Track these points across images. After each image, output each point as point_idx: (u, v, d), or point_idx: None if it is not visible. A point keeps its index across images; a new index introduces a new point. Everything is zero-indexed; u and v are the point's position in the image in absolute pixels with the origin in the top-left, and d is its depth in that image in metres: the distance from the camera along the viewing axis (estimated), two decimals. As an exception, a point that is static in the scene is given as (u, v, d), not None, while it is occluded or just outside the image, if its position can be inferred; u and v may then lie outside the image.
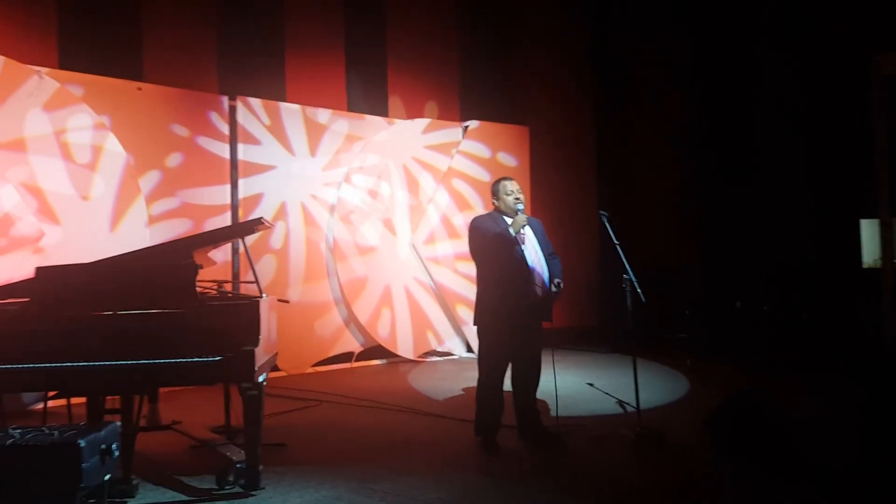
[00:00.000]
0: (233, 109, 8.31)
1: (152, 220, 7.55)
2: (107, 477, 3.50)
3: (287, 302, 6.04)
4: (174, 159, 7.84)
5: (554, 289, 5.18)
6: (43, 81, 6.93)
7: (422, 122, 9.92)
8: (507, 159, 10.41)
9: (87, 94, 7.26)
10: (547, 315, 5.27)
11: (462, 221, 9.65)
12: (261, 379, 4.20)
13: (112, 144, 7.30)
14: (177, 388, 6.74)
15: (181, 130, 7.92)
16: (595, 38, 11.76)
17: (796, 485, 4.31)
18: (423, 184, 9.80)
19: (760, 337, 8.82)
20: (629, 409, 6.24)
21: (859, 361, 7.85)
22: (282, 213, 8.61)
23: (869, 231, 9.12)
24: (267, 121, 8.57)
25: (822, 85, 9.46)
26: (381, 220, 9.39)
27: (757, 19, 10.04)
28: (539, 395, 5.43)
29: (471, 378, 6.21)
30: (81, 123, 7.14)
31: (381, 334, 9.20)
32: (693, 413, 5.93)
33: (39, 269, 4.19)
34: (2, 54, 6.76)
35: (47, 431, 3.38)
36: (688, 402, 6.74)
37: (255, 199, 8.41)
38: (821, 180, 9.48)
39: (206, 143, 8.12)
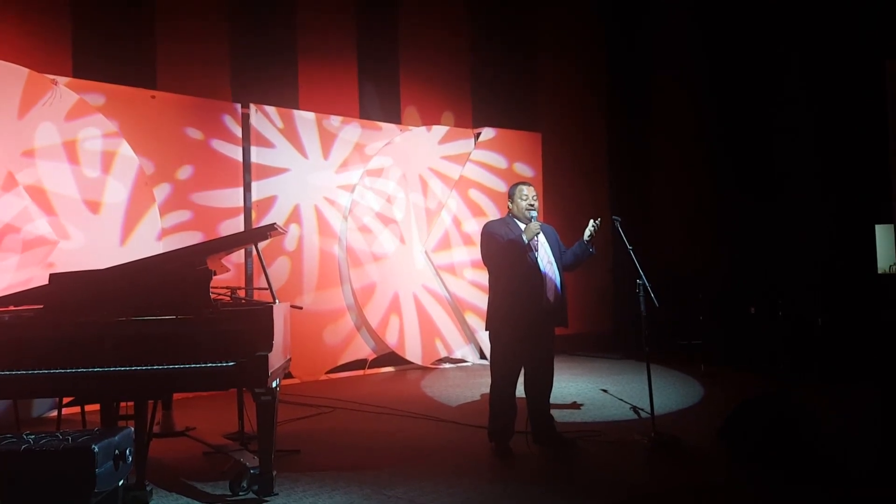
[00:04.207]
0: (246, 117, 8.35)
1: (164, 232, 7.57)
2: (120, 482, 3.50)
3: (300, 308, 6.04)
4: (186, 171, 7.86)
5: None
6: (58, 90, 6.98)
7: (437, 130, 9.92)
8: (523, 169, 10.39)
9: (102, 102, 7.31)
10: (561, 320, 5.26)
11: (474, 229, 9.64)
12: (274, 384, 4.20)
13: (126, 150, 7.33)
14: (190, 395, 6.76)
15: (195, 133, 7.96)
16: (611, 47, 11.74)
17: (813, 490, 4.28)
18: (436, 191, 9.82)
19: (775, 343, 8.75)
20: (643, 414, 6.23)
21: (874, 367, 7.79)
22: (295, 216, 8.64)
23: (884, 237, 9.04)
24: (280, 124, 8.61)
25: (835, 92, 9.42)
26: (393, 227, 9.40)
27: (772, 31, 10.01)
28: (552, 400, 5.41)
29: (483, 384, 6.20)
30: (95, 132, 7.18)
31: (390, 342, 9.20)
32: (707, 419, 5.90)
33: (53, 276, 4.21)
34: (17, 63, 6.82)
35: (61, 437, 3.38)
36: (702, 408, 6.70)
37: (269, 202, 8.44)
38: (835, 186, 9.42)
39: (219, 146, 8.16)
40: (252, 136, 8.37)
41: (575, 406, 6.73)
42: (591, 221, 5.21)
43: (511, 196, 5.39)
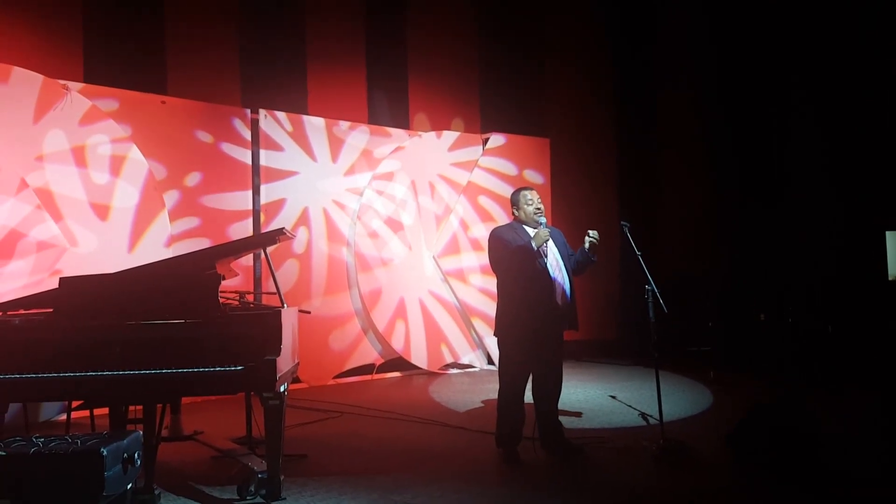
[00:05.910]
0: (255, 122, 8.37)
1: (172, 239, 7.57)
2: (129, 486, 3.51)
3: (308, 312, 6.05)
4: (195, 175, 7.88)
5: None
6: (71, 96, 7.02)
7: (447, 136, 9.93)
8: (532, 176, 10.39)
9: (115, 108, 7.35)
10: (571, 324, 5.24)
11: (482, 234, 9.62)
12: (282, 388, 4.20)
13: (136, 155, 7.35)
14: (199, 399, 6.77)
15: (205, 137, 7.98)
16: (618, 53, 11.73)
17: (820, 498, 4.26)
18: (445, 197, 9.82)
19: (784, 350, 8.73)
20: (652, 421, 6.21)
21: (885, 374, 7.76)
22: (304, 219, 8.65)
23: (895, 243, 9.01)
24: (290, 128, 8.64)
25: (846, 98, 9.40)
26: (400, 232, 9.40)
27: (778, 35, 10.01)
28: (560, 405, 5.40)
29: (491, 390, 6.19)
30: (106, 137, 7.21)
31: (396, 346, 9.19)
32: (716, 426, 5.88)
33: (63, 280, 4.21)
34: (28, 68, 6.85)
35: (70, 440, 3.39)
36: (711, 415, 6.67)
37: (278, 205, 8.46)
38: (846, 192, 9.40)
39: (229, 149, 8.17)
40: (261, 139, 8.40)
41: (579, 414, 6.69)
42: (588, 234, 5.18)
43: (515, 202, 5.38)
